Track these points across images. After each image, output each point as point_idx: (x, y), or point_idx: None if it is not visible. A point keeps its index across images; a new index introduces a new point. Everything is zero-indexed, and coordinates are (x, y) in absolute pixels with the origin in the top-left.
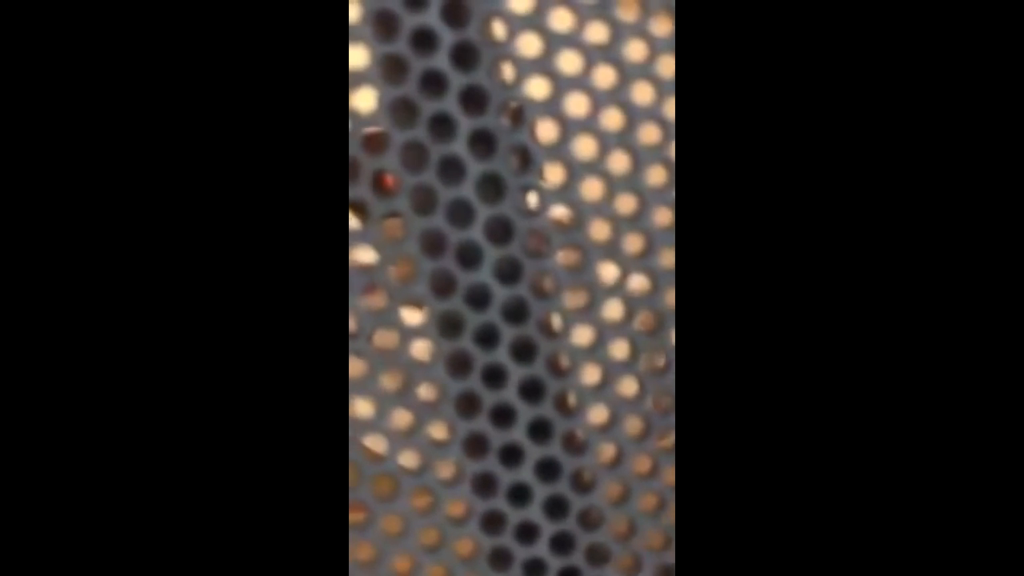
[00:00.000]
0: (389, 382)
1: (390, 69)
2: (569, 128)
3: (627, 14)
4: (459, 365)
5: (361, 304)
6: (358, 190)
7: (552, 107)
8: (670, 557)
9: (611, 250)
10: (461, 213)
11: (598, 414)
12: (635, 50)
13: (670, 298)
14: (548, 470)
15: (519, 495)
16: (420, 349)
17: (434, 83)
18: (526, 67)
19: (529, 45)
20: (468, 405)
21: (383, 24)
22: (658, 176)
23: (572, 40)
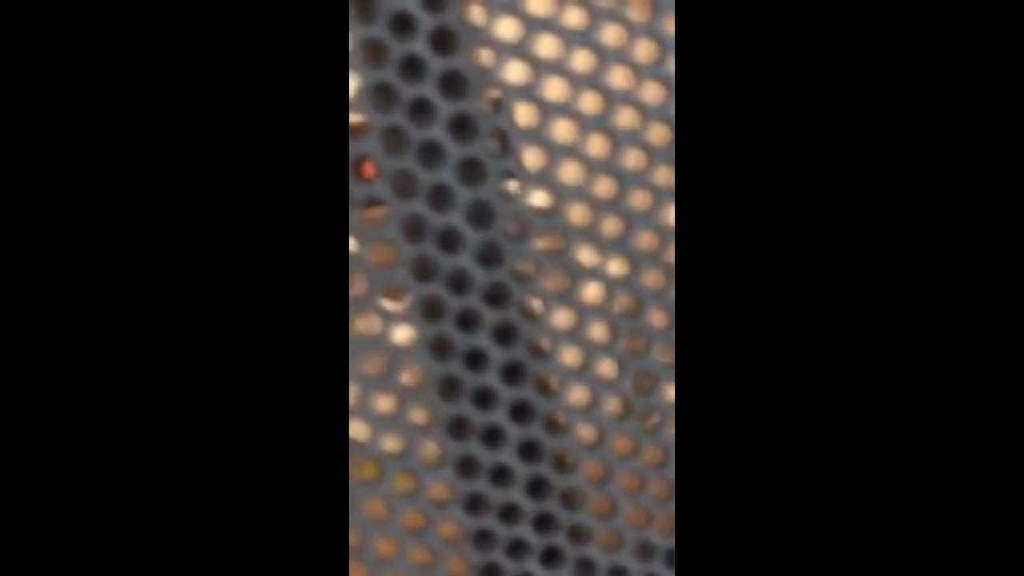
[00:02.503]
0: (371, 367)
1: (370, 54)
2: (548, 113)
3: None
4: (440, 349)
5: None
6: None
7: (530, 92)
8: (651, 534)
9: (590, 234)
10: (441, 198)
11: (579, 396)
12: (612, 35)
13: (651, 281)
14: (529, 451)
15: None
16: (401, 335)
17: (413, 68)
18: (504, 52)
19: (507, 29)
20: (449, 389)
21: (363, 10)
22: (638, 160)
23: (550, 24)
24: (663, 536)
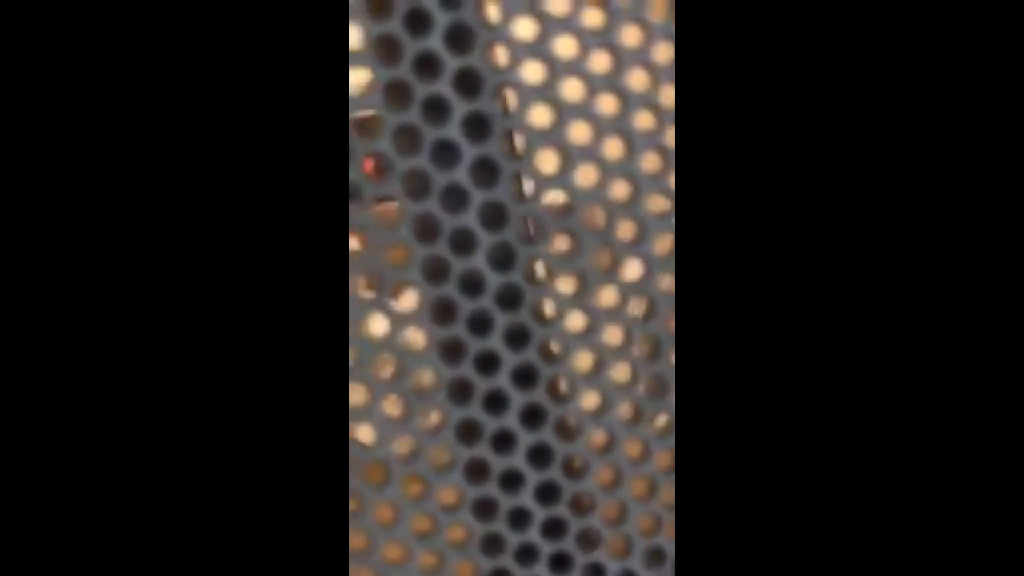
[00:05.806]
0: (382, 370)
1: (384, 50)
2: (564, 114)
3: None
4: (452, 352)
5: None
6: (351, 173)
7: (545, 93)
8: (661, 540)
9: (605, 236)
10: (454, 199)
11: (590, 400)
12: (631, 36)
13: (666, 286)
14: (540, 456)
15: (512, 481)
16: (413, 337)
17: (428, 65)
18: (520, 51)
19: (524, 29)
20: (461, 392)
21: (378, 6)
22: (654, 163)
23: (567, 25)
24: (670, 540)
